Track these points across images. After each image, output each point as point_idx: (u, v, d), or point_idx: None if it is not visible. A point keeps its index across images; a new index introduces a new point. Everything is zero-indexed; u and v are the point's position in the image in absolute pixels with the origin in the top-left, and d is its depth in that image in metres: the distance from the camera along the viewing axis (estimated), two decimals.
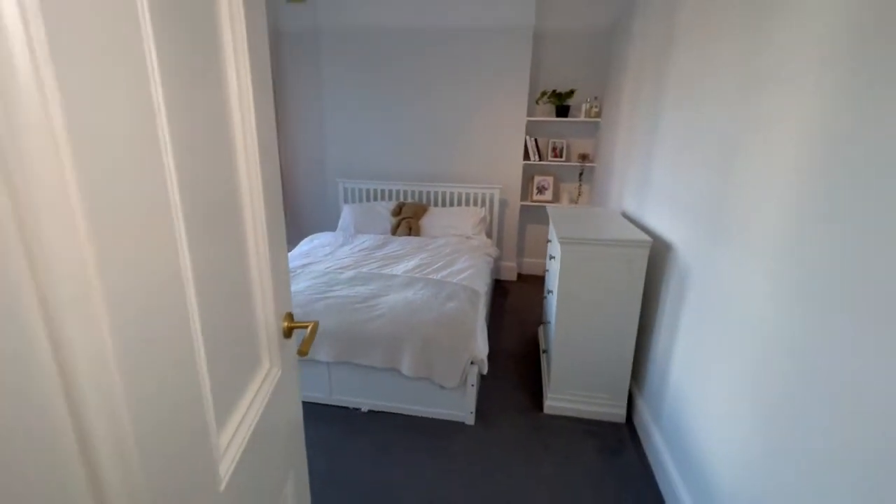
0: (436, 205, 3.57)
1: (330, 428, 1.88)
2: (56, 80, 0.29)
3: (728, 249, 1.26)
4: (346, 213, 3.45)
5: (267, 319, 0.73)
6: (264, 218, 0.70)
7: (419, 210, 3.41)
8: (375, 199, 3.64)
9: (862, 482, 0.75)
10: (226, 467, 0.55)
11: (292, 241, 3.76)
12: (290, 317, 0.82)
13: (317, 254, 2.78)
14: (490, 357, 2.34)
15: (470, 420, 1.93)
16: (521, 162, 3.48)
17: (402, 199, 3.59)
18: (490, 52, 3.26)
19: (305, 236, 3.31)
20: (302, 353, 0.77)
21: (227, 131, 0.60)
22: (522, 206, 3.63)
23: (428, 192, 3.57)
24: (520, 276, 3.86)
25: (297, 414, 0.90)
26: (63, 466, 0.34)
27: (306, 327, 0.81)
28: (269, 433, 0.72)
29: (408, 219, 3.36)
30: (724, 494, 1.17)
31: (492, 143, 3.47)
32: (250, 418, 0.65)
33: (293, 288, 2.17)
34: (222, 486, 0.53)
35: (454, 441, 1.83)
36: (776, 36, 1.09)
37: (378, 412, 1.98)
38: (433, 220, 3.36)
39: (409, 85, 3.42)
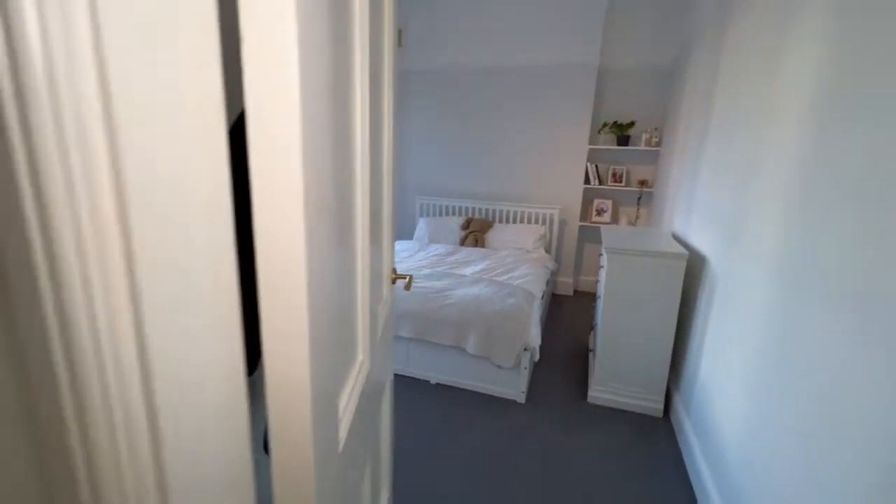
0: (500, 221, 3.98)
1: (407, 393, 2.32)
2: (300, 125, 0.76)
3: (741, 256, 1.54)
4: (422, 225, 3.98)
5: (386, 268, 1.19)
6: (391, 208, 1.16)
7: (485, 225, 3.85)
8: (447, 214, 4.15)
9: (834, 447, 1.02)
10: (378, 331, 1.00)
11: None
12: (394, 270, 1.27)
13: (398, 256, 3.30)
14: (544, 354, 2.67)
15: (521, 399, 2.27)
16: (581, 186, 3.80)
17: (470, 215, 4.06)
18: (556, 87, 3.68)
19: None
20: (407, 288, 1.23)
21: (380, 143, 1.07)
22: (581, 227, 3.92)
23: (493, 210, 4.00)
24: (576, 291, 4.11)
25: (392, 332, 1.34)
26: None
27: (405, 278, 1.27)
28: (386, 332, 1.17)
29: (475, 232, 3.80)
30: (735, 466, 1.41)
31: (554, 167, 3.84)
32: (379, 325, 1.10)
33: None
34: (377, 337, 0.98)
35: (506, 413, 2.18)
36: (776, 84, 1.40)
37: (444, 385, 2.39)
38: (497, 234, 3.77)
39: (481, 116, 3.92)
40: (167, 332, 0.34)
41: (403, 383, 2.39)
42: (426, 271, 2.86)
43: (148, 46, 0.30)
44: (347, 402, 0.71)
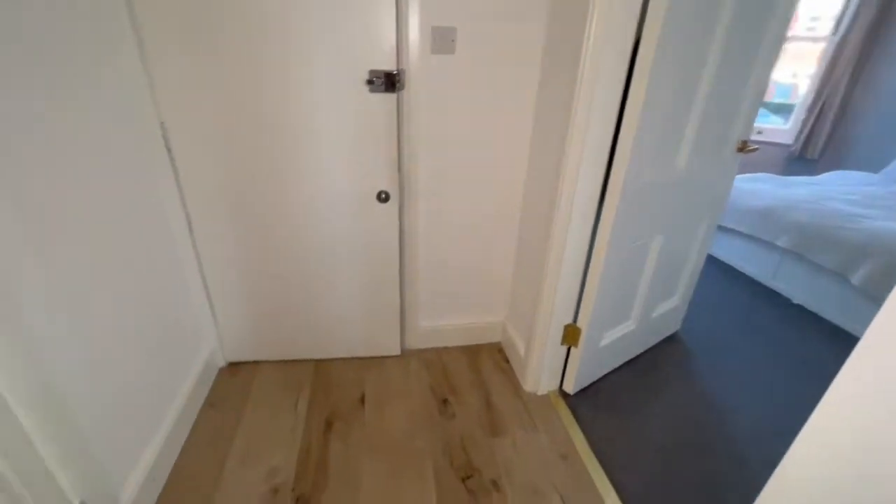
0: None
1: (760, 303, 2.43)
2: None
3: None
4: None
5: (732, 140, 1.53)
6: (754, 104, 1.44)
7: None
8: None
9: None
10: (682, 161, 1.48)
11: (818, 170, 3.80)
12: (745, 142, 1.57)
13: (830, 184, 2.89)
14: None
15: None
16: None
17: None
18: None
19: (836, 169, 3.31)
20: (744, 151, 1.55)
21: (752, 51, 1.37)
22: None
23: None
24: None
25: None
26: None
27: (754, 150, 1.55)
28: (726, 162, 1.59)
29: None
30: None
31: None
32: (719, 161, 1.53)
33: (789, 191, 2.61)
34: (683, 167, 1.47)
35: None
36: None
37: (806, 310, 2.29)
38: None
39: None
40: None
41: (761, 293, 2.47)
42: (854, 197, 2.47)
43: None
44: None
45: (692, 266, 1.84)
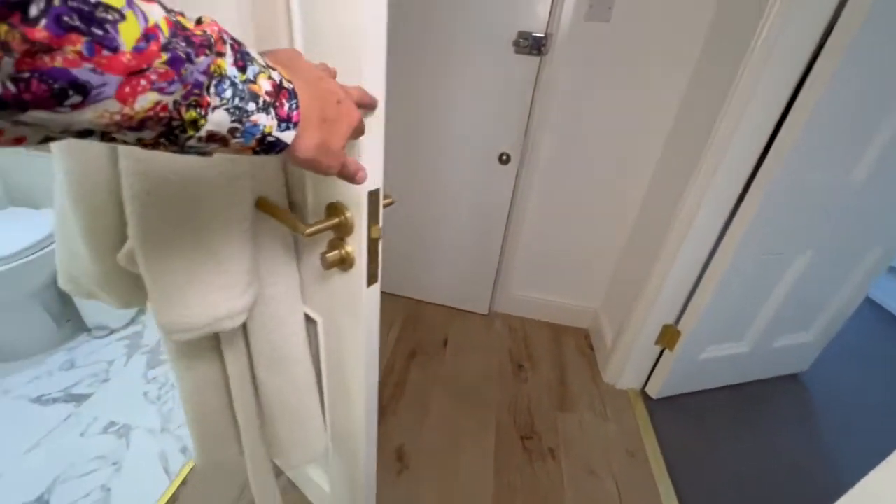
0: None
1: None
2: None
3: None
4: None
5: None
6: None
7: None
8: None
9: None
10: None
11: None
12: None
13: None
14: None
15: None
16: None
17: None
18: None
19: None
20: None
21: None
22: None
23: None
24: None
25: None
26: None
27: None
28: None
29: None
30: None
31: None
32: None
33: None
34: (863, 177, 1.22)
35: None
36: None
37: None
38: None
39: None
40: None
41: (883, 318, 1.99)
42: None
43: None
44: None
45: (842, 301, 1.56)
